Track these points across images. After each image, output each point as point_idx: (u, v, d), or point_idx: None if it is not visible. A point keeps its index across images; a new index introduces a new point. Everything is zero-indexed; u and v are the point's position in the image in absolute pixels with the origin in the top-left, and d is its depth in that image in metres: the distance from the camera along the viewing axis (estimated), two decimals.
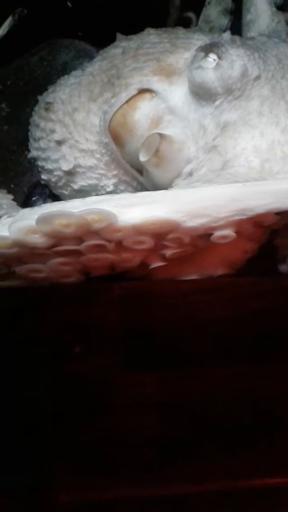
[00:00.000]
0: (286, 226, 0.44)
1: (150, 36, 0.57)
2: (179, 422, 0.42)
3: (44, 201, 0.63)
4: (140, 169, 0.55)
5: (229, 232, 0.41)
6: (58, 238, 0.41)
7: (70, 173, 0.57)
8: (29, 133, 0.59)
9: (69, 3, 0.74)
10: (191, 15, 0.73)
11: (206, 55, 0.50)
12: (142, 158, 0.51)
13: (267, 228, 0.44)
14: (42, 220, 0.41)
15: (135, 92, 0.53)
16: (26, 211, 0.44)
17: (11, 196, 0.57)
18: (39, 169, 0.59)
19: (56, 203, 0.44)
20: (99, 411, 0.42)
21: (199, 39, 0.55)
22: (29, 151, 0.60)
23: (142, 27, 0.58)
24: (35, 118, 0.58)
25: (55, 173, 0.58)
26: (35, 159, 0.59)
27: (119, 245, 0.42)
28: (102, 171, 0.56)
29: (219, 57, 0.49)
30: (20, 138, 0.62)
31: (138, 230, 0.41)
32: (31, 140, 0.59)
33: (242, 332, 0.43)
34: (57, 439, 0.43)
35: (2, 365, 0.43)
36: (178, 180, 0.49)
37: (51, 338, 0.43)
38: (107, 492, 0.41)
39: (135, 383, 0.42)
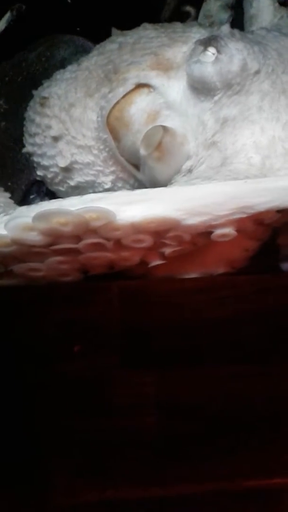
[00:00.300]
0: (287, 225, 0.42)
1: (147, 31, 0.55)
2: (178, 421, 0.41)
3: (42, 199, 0.61)
4: (137, 164, 0.54)
5: (229, 230, 0.40)
6: (55, 236, 0.40)
7: (67, 170, 0.55)
8: (24, 128, 0.58)
9: None
10: (189, 9, 0.71)
11: (205, 49, 0.48)
12: (144, 151, 0.49)
13: (268, 226, 0.43)
14: (39, 218, 0.40)
15: (132, 86, 0.52)
16: (23, 208, 0.42)
17: (8, 194, 0.56)
18: (35, 165, 0.58)
19: (53, 200, 0.43)
20: (97, 410, 0.42)
21: (198, 32, 0.53)
22: None
23: (140, 21, 0.57)
24: (30, 113, 0.57)
25: (51, 169, 0.56)
26: (30, 154, 0.58)
27: (118, 243, 0.41)
28: (99, 168, 0.55)
29: (218, 51, 0.48)
30: (18, 135, 0.60)
31: (137, 229, 0.40)
32: (26, 136, 0.57)
33: (242, 331, 0.42)
34: (55, 439, 0.42)
35: (0, 364, 0.42)
36: (178, 176, 0.48)
37: (50, 337, 0.43)
38: (105, 493, 0.40)
39: (134, 382, 0.41)
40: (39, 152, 0.56)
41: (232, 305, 0.42)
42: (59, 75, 0.57)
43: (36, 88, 0.58)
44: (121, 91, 0.51)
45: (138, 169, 0.53)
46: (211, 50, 0.48)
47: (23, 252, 0.41)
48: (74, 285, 0.43)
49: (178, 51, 0.52)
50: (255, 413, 0.41)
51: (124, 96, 0.51)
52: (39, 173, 0.58)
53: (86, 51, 0.63)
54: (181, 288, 0.43)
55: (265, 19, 0.61)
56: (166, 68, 0.51)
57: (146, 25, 0.56)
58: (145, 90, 0.52)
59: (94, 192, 0.55)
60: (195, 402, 0.41)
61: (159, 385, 0.41)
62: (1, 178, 0.62)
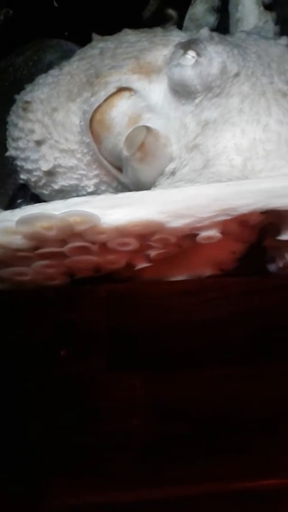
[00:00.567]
0: (273, 226, 0.42)
1: (128, 36, 0.55)
2: (167, 423, 0.41)
3: (29, 203, 0.60)
4: (118, 167, 0.53)
5: (214, 233, 0.40)
6: (40, 240, 0.40)
7: (50, 173, 0.55)
8: (7, 133, 0.57)
9: (55, 3, 0.71)
10: (171, 12, 0.70)
11: (185, 52, 0.48)
12: (126, 152, 0.49)
13: (254, 228, 0.42)
14: (23, 222, 0.39)
15: (114, 90, 0.51)
16: (7, 213, 0.41)
17: None
18: (18, 169, 0.57)
19: (37, 204, 0.42)
20: (85, 414, 0.41)
21: (178, 36, 0.53)
22: None
23: (126, 25, 0.56)
24: (13, 118, 0.56)
25: (34, 173, 0.56)
26: (13, 158, 0.57)
27: (103, 246, 0.40)
28: (83, 172, 0.54)
29: (198, 54, 0.48)
30: (4, 140, 0.59)
31: (122, 232, 0.39)
32: (9, 140, 0.57)
33: (230, 333, 0.42)
34: (43, 442, 0.41)
35: None
36: (161, 179, 0.48)
37: (37, 341, 0.42)
38: (97, 496, 0.40)
39: (122, 385, 0.41)
40: (22, 156, 0.56)
41: (220, 307, 0.42)
42: (41, 79, 0.56)
43: None
44: (102, 94, 0.51)
45: (121, 171, 0.53)
46: (191, 54, 0.48)
47: (8, 256, 0.40)
48: (61, 289, 0.42)
49: (159, 55, 0.51)
50: (244, 415, 0.41)
51: (105, 100, 0.51)
52: (22, 176, 0.57)
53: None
54: (169, 290, 0.43)
55: (250, 22, 0.61)
56: (147, 71, 0.51)
57: (127, 30, 0.55)
58: (127, 93, 0.51)
59: (78, 195, 0.55)
60: (184, 404, 0.41)
61: (147, 387, 0.41)
62: None
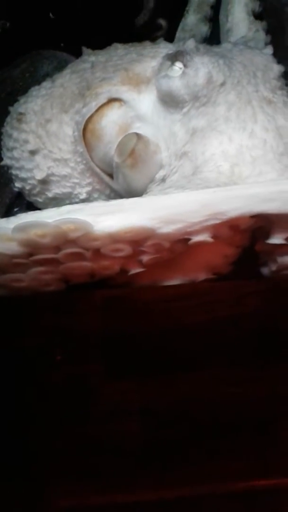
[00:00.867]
0: (263, 230, 0.42)
1: (118, 50, 0.55)
2: (164, 426, 0.40)
3: (25, 212, 0.60)
4: (109, 173, 0.53)
5: (205, 237, 0.40)
6: (35, 248, 0.40)
7: (44, 182, 0.55)
8: (2, 143, 0.57)
9: (51, 15, 0.72)
10: (162, 21, 0.70)
11: (172, 63, 0.49)
12: (117, 159, 0.49)
13: (245, 232, 0.42)
14: (18, 230, 0.39)
15: (104, 100, 0.52)
16: (3, 221, 0.41)
17: None
18: (13, 177, 0.58)
19: (31, 212, 0.42)
20: (81, 418, 0.41)
21: (165, 47, 0.53)
22: None
23: (119, 36, 0.56)
24: (7, 129, 0.56)
25: (29, 181, 0.56)
26: (8, 167, 0.57)
27: (97, 253, 0.41)
28: (76, 180, 0.55)
29: (185, 65, 0.48)
30: (1, 150, 0.59)
31: (115, 238, 0.40)
32: (4, 149, 0.57)
33: (224, 336, 0.42)
34: (41, 446, 0.40)
35: None
36: (152, 185, 0.48)
37: (33, 346, 0.42)
38: (95, 497, 0.39)
39: (117, 390, 0.40)
40: (17, 165, 0.56)
41: (214, 310, 0.42)
42: (34, 91, 0.56)
43: None
44: (94, 105, 0.51)
45: (113, 178, 0.53)
46: (178, 65, 0.48)
47: (4, 263, 0.40)
48: (57, 295, 0.42)
49: (148, 66, 0.52)
50: (241, 416, 0.40)
51: (96, 110, 0.51)
52: (17, 184, 0.58)
53: None
54: (164, 295, 0.43)
55: (240, 33, 0.61)
56: (136, 82, 0.51)
57: (117, 44, 0.56)
58: (117, 104, 0.52)
59: (71, 203, 0.55)
60: (180, 407, 0.40)
61: (143, 391, 0.40)
62: None
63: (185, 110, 0.48)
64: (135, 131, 0.50)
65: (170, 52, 0.51)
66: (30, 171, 0.55)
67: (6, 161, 0.56)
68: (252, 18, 0.62)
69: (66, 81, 0.55)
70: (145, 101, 0.51)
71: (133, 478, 0.39)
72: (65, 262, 0.41)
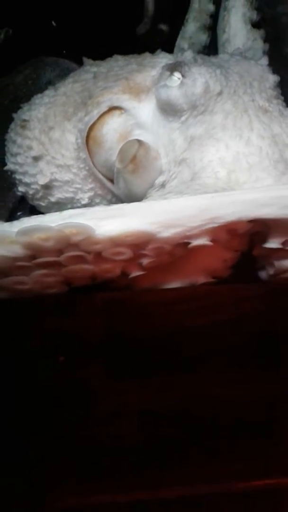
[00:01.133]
0: (260, 235, 0.43)
1: (118, 61, 0.56)
2: (165, 428, 0.40)
3: (28, 216, 0.61)
4: (110, 179, 0.54)
5: (204, 241, 0.40)
6: (37, 251, 0.40)
7: (47, 187, 0.56)
8: (6, 148, 0.58)
9: (53, 22, 0.72)
10: (163, 27, 0.71)
11: (171, 74, 0.50)
12: (119, 164, 0.50)
13: (243, 236, 0.43)
14: (21, 234, 0.39)
15: (106, 109, 0.52)
16: (6, 225, 0.42)
17: None
18: (17, 182, 0.58)
19: (34, 216, 0.43)
20: (83, 419, 0.40)
21: (164, 57, 0.55)
22: None
23: (121, 44, 0.57)
24: (11, 135, 0.57)
25: (32, 186, 0.57)
26: (12, 172, 0.58)
27: (99, 256, 0.41)
28: (78, 185, 0.55)
29: (183, 75, 0.49)
30: (4, 155, 0.60)
31: (116, 242, 0.40)
32: (8, 155, 0.58)
33: (223, 339, 0.42)
34: (42, 446, 0.40)
35: None
36: (152, 191, 0.49)
37: (35, 348, 0.42)
38: (91, 498, 0.39)
39: (118, 392, 0.40)
40: (20, 170, 0.57)
41: (213, 313, 0.42)
42: (37, 99, 0.57)
43: None
44: (95, 113, 0.52)
45: (113, 183, 0.54)
46: (177, 75, 0.49)
47: (8, 265, 0.41)
48: (59, 297, 0.42)
49: (148, 76, 0.53)
50: (238, 418, 0.40)
51: (98, 118, 0.52)
52: (21, 189, 0.58)
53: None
54: (164, 298, 0.43)
55: (238, 42, 0.61)
56: (137, 91, 0.52)
57: (117, 56, 0.57)
58: (117, 112, 0.52)
59: (73, 207, 0.56)
60: (181, 409, 0.40)
61: (144, 393, 0.40)
62: None
63: (183, 118, 0.49)
64: (135, 137, 0.50)
65: (169, 62, 0.52)
66: (33, 176, 0.56)
67: (10, 166, 0.57)
68: (250, 27, 0.62)
69: (68, 90, 0.56)
70: (145, 110, 0.52)
71: (133, 478, 0.38)
72: (67, 265, 0.41)
